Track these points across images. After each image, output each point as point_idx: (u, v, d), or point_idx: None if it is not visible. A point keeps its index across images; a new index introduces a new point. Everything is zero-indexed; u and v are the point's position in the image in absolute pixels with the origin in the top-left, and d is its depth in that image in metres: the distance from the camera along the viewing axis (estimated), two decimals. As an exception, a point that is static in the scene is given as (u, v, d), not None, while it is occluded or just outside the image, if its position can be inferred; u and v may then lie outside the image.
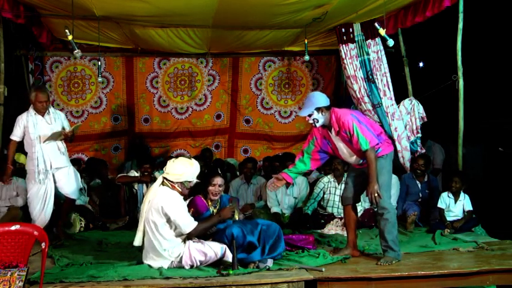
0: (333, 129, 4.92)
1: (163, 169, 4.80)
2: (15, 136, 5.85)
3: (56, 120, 5.99)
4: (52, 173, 5.90)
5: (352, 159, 5.02)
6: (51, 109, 6.03)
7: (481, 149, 9.39)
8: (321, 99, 4.93)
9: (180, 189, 4.74)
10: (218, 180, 5.06)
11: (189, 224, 4.61)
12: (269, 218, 6.87)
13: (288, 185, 5.51)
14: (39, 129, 5.83)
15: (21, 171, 7.19)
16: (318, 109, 4.87)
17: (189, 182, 4.76)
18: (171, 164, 4.73)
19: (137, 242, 4.70)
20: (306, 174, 8.03)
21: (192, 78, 9.12)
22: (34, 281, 4.15)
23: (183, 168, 4.68)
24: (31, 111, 5.90)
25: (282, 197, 7.29)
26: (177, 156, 5.02)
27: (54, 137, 5.86)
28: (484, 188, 8.01)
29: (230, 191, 7.69)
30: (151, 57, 8.94)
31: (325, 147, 5.12)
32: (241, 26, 7.42)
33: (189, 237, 4.71)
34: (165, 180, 4.72)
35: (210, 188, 5.04)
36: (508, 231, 5.92)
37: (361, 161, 4.98)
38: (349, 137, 4.80)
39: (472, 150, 9.14)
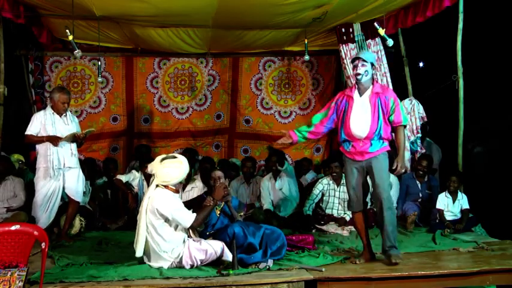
0: (368, 91, 4.84)
1: (151, 170, 4.72)
2: (31, 131, 5.85)
3: (72, 122, 6.08)
4: (63, 172, 5.93)
5: (361, 130, 4.79)
6: (68, 111, 6.08)
7: (484, 148, 9.35)
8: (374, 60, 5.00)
9: (174, 188, 4.74)
10: (217, 174, 5.25)
11: (188, 218, 4.62)
12: (265, 216, 6.91)
13: (290, 145, 5.42)
14: (57, 128, 5.89)
15: (19, 171, 7.19)
16: (372, 65, 4.89)
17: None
18: (160, 169, 4.65)
19: (139, 252, 4.64)
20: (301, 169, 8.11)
21: (192, 78, 9.12)
22: (34, 281, 4.15)
23: (175, 172, 4.66)
24: (49, 110, 5.95)
25: (275, 194, 7.41)
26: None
27: (67, 138, 5.90)
28: (486, 188, 8.00)
29: (230, 191, 7.69)
30: (151, 57, 8.94)
31: (331, 122, 5.04)
32: (241, 26, 7.42)
33: (191, 229, 4.71)
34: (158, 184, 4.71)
35: (211, 182, 5.20)
36: (508, 231, 5.91)
37: (366, 135, 4.77)
38: (388, 104, 4.77)
39: (476, 150, 9.12)
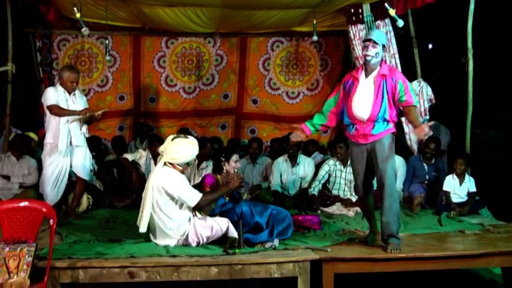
0: (374, 72, 4.67)
1: (162, 150, 4.75)
2: (54, 101, 5.80)
3: (80, 100, 6.06)
4: (70, 150, 5.95)
5: (363, 111, 4.65)
6: (76, 90, 6.07)
7: (500, 131, 9.22)
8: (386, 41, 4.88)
9: (181, 168, 4.76)
10: (236, 157, 5.34)
11: (193, 197, 4.65)
12: (273, 198, 6.91)
13: (302, 141, 5.42)
14: (69, 106, 5.89)
15: (31, 151, 7.24)
16: (384, 47, 4.74)
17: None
18: (170, 147, 4.68)
19: (143, 228, 4.67)
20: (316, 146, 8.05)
21: (200, 58, 9.07)
22: (42, 257, 4.20)
23: (184, 151, 4.68)
24: (59, 87, 5.94)
25: (288, 177, 7.30)
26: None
27: (84, 118, 5.92)
28: (493, 171, 7.96)
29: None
30: (158, 37, 8.88)
31: (342, 104, 4.89)
32: (250, 6, 7.36)
33: (197, 208, 4.74)
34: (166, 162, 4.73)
35: (232, 164, 5.26)
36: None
37: (368, 117, 4.63)
38: (397, 86, 4.58)
39: (491, 133, 9.02)
